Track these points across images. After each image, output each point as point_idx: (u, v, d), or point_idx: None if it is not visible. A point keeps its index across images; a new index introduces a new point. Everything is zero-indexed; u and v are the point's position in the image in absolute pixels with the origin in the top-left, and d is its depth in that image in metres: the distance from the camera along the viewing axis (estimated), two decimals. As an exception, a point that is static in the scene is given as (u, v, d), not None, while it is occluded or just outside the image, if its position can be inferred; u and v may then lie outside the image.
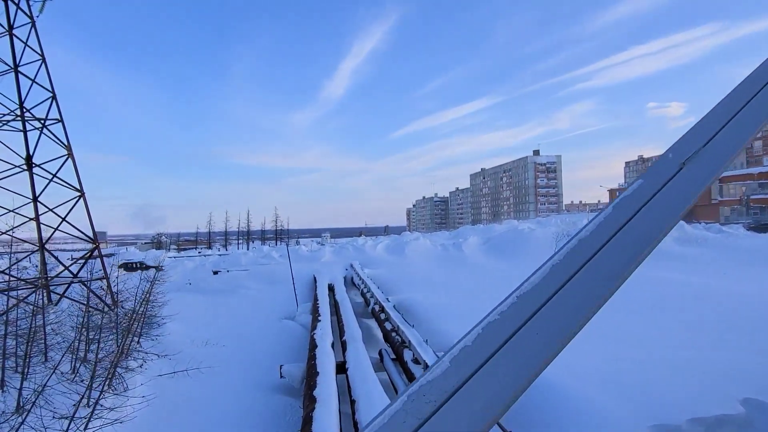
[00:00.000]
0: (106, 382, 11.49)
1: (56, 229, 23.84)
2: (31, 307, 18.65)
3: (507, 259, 34.01)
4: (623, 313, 17.38)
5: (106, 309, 23.27)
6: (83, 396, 10.54)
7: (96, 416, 9.81)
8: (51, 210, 23.39)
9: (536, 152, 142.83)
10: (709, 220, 68.78)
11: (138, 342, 17.40)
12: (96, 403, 9.40)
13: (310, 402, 8.39)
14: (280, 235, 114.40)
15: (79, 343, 13.55)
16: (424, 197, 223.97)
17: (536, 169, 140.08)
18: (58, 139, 23.06)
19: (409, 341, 11.92)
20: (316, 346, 11.98)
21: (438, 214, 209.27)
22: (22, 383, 10.88)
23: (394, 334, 13.36)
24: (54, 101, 22.96)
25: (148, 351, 15.91)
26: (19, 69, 22.58)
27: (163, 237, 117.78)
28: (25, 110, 22.70)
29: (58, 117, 22.96)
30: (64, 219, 23.67)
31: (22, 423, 8.87)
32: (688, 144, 1.21)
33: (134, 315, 16.65)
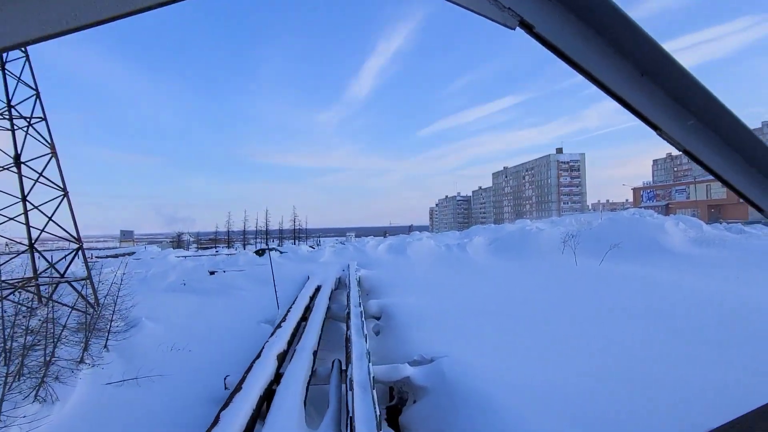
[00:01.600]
0: (35, 390, 10.87)
1: (42, 230, 23.57)
2: (24, 308, 18.36)
3: (512, 260, 32.69)
4: (612, 320, 16.11)
5: (90, 310, 22.95)
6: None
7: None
8: (36, 207, 23.10)
9: (559, 150, 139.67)
10: (737, 219, 65.85)
11: (105, 346, 16.89)
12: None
13: (213, 423, 7.55)
14: (298, 234, 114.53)
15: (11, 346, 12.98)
16: (446, 197, 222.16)
17: (559, 167, 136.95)
18: (43, 137, 22.80)
19: (352, 355, 10.97)
20: (259, 356, 11.14)
21: (461, 213, 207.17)
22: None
23: (348, 343, 12.43)
24: (38, 99, 22.72)
25: (103, 356, 15.35)
26: (6, 67, 22.41)
27: (185, 236, 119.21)
28: (12, 108, 22.53)
29: (42, 115, 22.71)
30: (50, 218, 23.36)
31: None
32: None
33: (92, 318, 16.12)
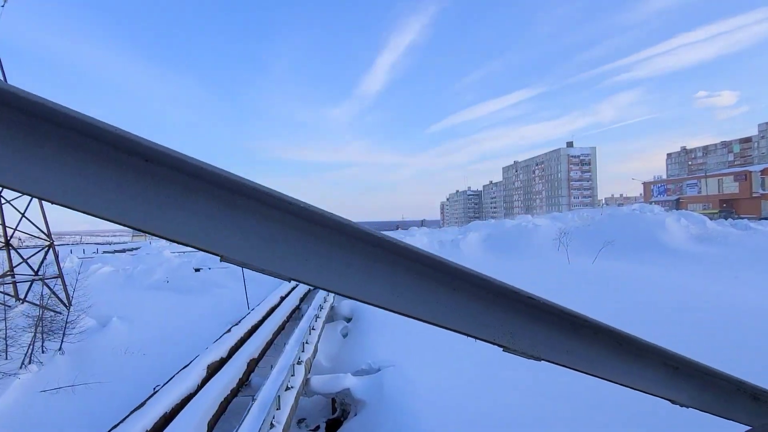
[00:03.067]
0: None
1: (15, 229, 23.06)
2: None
3: (504, 257, 31.66)
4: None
5: (62, 308, 22.43)
6: None
7: None
8: (8, 202, 22.55)
9: (570, 144, 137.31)
10: (750, 214, 63.84)
11: (60, 348, 16.30)
12: None
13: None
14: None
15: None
16: (457, 191, 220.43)
17: (569, 161, 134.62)
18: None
19: (273, 368, 10.15)
20: (186, 367, 10.39)
21: (471, 208, 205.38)
22: None
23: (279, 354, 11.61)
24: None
25: (55, 359, 14.73)
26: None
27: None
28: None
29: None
30: (23, 215, 22.80)
31: None
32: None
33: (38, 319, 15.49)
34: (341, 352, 14.71)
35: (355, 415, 10.38)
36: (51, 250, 23.03)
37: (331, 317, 19.95)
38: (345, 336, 17.41)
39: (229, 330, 13.78)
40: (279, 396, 7.66)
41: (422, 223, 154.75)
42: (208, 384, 9.30)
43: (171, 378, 9.64)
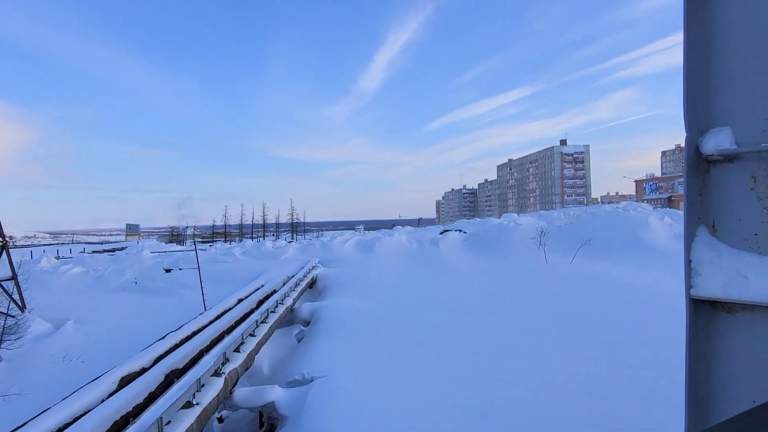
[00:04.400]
0: None
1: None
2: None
3: (483, 257, 30.86)
4: (553, 332, 14.28)
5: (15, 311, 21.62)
6: None
7: None
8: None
9: (563, 142, 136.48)
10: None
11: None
12: None
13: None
14: (296, 228, 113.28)
15: None
16: (453, 189, 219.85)
17: (563, 159, 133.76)
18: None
19: (173, 386, 9.33)
20: (95, 380, 9.56)
21: (467, 206, 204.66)
22: None
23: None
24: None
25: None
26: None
27: (189, 230, 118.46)
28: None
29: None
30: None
31: None
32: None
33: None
34: (287, 359, 13.90)
35: (280, 430, 9.59)
36: (4, 250, 22.17)
37: (291, 320, 19.16)
38: (299, 341, 16.61)
39: (163, 337, 12.93)
40: (161, 418, 6.84)
41: (419, 222, 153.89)
42: (108, 401, 8.47)
43: (71, 394, 8.81)
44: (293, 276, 24.50)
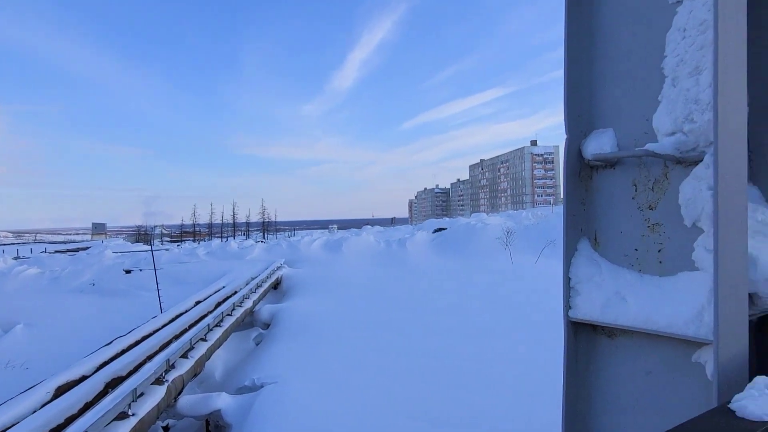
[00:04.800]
0: None
1: None
2: None
3: (449, 257, 30.90)
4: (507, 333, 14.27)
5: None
6: None
7: None
8: None
9: (533, 143, 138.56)
10: None
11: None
12: None
13: None
14: (267, 227, 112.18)
15: None
16: (425, 189, 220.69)
17: (533, 159, 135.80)
18: None
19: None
20: (30, 389, 9.09)
21: (439, 205, 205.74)
22: None
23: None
24: None
25: None
26: None
27: (158, 229, 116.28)
28: None
29: None
30: None
31: None
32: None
33: None
34: (242, 364, 13.54)
35: (228, 439, 9.28)
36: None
37: (251, 323, 18.78)
38: (257, 344, 16.25)
39: (110, 342, 12.45)
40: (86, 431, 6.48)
41: (392, 221, 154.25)
42: (38, 413, 8.03)
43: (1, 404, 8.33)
44: (256, 277, 24.06)
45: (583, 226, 2.46)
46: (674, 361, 2.06)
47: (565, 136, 2.43)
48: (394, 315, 17.48)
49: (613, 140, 2.31)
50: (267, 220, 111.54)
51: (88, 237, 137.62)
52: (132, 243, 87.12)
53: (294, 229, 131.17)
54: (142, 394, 8.53)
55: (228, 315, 15.48)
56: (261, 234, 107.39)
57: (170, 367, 9.97)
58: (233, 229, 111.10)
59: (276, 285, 26.02)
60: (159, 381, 9.31)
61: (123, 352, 12.02)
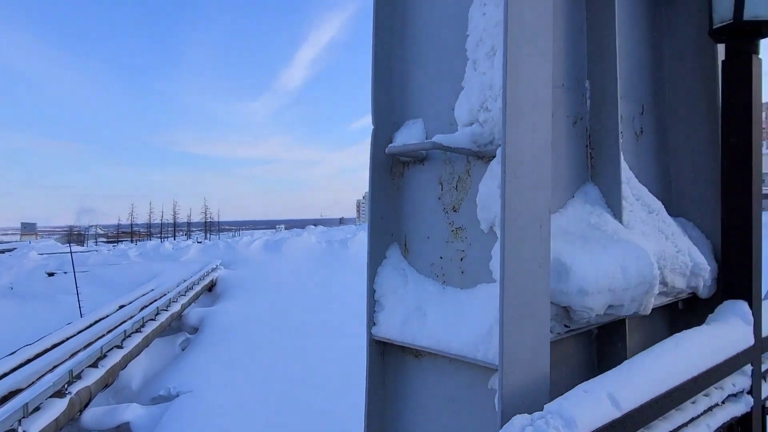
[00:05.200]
0: None
1: None
2: None
3: (391, 258, 30.92)
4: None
5: None
6: None
7: None
8: None
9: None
10: None
11: None
12: None
13: None
14: (210, 227, 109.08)
15: None
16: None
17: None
18: None
19: None
20: None
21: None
22: None
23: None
24: None
25: None
26: None
27: (93, 228, 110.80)
28: None
29: None
30: None
31: None
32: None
33: None
34: (163, 372, 12.94)
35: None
36: None
37: (179, 327, 18.06)
38: (183, 349, 15.63)
39: (14, 352, 11.58)
40: None
41: (341, 221, 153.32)
42: None
43: None
44: (188, 279, 23.20)
45: (393, 231, 2.17)
46: (474, 386, 1.78)
47: (371, 128, 2.10)
48: (323, 316, 17.23)
49: (422, 132, 2.02)
50: (210, 220, 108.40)
51: (17, 237, 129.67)
52: (63, 244, 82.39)
53: (239, 229, 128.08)
54: (37, 409, 7.92)
55: (151, 320, 14.78)
56: (203, 234, 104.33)
57: (74, 378, 9.33)
58: (174, 229, 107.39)
59: (210, 287, 25.24)
60: (60, 393, 8.69)
61: (27, 362, 11.20)
